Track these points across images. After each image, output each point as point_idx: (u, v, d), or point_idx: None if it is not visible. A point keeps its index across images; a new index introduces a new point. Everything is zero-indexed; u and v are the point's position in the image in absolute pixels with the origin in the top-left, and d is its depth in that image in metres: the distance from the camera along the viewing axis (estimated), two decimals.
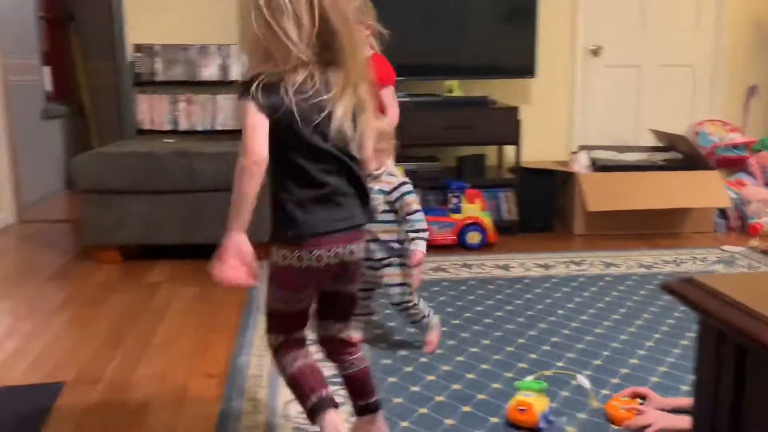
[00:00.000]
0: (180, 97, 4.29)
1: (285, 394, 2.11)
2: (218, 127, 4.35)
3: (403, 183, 2.32)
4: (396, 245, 2.36)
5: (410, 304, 2.40)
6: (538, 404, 1.89)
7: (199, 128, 4.33)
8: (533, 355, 2.39)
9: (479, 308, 2.85)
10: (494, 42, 4.28)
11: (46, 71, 5.99)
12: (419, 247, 2.28)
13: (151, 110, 4.29)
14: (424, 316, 2.43)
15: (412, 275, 2.39)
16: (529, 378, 2.11)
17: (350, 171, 1.59)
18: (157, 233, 3.58)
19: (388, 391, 2.12)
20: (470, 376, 2.23)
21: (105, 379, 2.27)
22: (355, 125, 1.57)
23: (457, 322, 2.71)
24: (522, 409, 1.88)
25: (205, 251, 3.59)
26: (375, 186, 2.25)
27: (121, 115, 6.43)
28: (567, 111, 4.66)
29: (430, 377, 2.23)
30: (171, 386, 2.21)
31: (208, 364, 2.37)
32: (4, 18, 4.61)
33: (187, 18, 4.28)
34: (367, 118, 1.60)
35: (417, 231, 2.30)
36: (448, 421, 1.94)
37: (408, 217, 2.30)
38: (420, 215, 2.31)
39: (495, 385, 2.16)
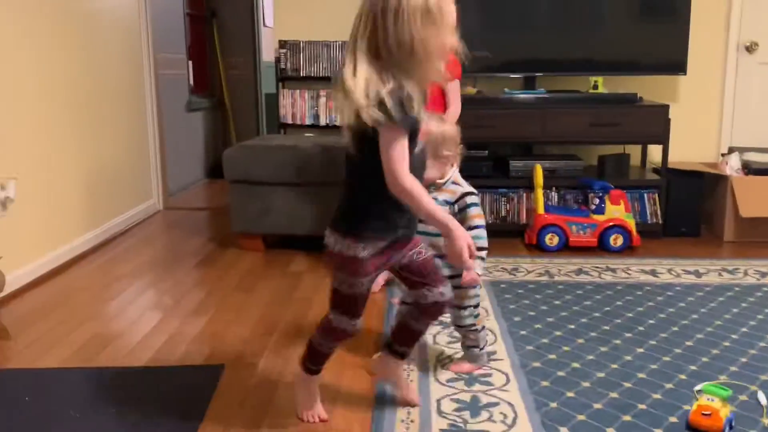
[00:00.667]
0: (321, 92, 4.38)
1: (437, 390, 2.12)
2: None
3: (469, 193, 2.13)
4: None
5: (472, 328, 2.21)
6: (723, 410, 1.83)
7: (339, 123, 4.39)
8: (693, 367, 2.27)
9: (629, 314, 2.75)
10: (642, 37, 4.10)
11: (189, 66, 6.27)
12: (476, 268, 2.08)
13: (294, 105, 4.40)
14: (477, 347, 2.24)
15: (477, 296, 2.20)
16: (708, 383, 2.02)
17: None
18: (299, 224, 3.66)
19: (541, 395, 2.08)
20: (627, 384, 2.15)
21: (263, 362, 2.34)
22: None
23: (607, 328, 2.62)
24: (706, 414, 1.82)
25: None
26: (438, 196, 2.10)
27: (260, 109, 6.68)
28: (717, 110, 4.41)
29: (585, 383, 2.16)
30: (327, 372, 2.25)
31: (360, 353, 2.40)
32: (156, 15, 4.84)
33: (329, 15, 4.36)
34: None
35: (477, 250, 1.89)
36: (610, 430, 1.87)
37: (469, 232, 1.88)
38: (483, 231, 2.12)
39: (655, 396, 2.07)
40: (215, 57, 6.65)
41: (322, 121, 4.42)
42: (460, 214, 2.09)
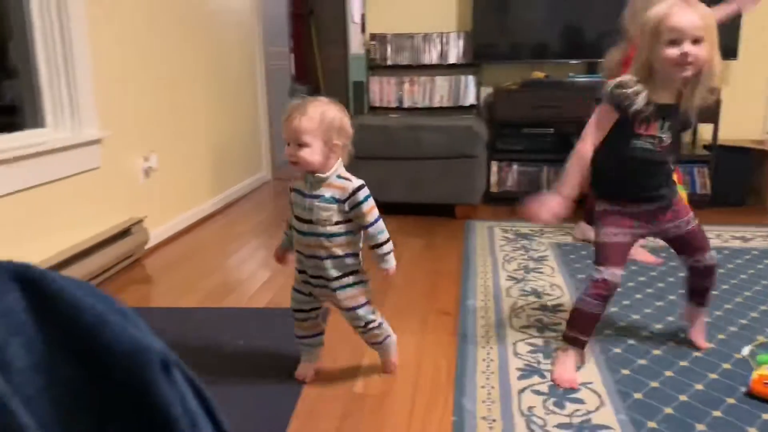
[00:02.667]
0: (405, 78, 4.36)
1: (512, 334, 2.11)
2: (435, 105, 4.38)
3: (360, 187, 1.66)
4: (351, 260, 1.71)
5: (375, 324, 1.79)
6: None
7: (420, 105, 4.39)
8: (743, 321, 2.19)
9: (682, 274, 2.66)
10: None
11: (291, 57, 6.35)
12: (391, 264, 1.75)
13: (381, 90, 4.40)
14: (387, 336, 1.84)
15: (370, 291, 1.80)
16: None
17: None
18: (386, 192, 3.67)
19: (623, 384, 1.78)
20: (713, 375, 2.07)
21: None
22: None
23: (662, 285, 2.54)
24: None
25: (427, 209, 3.70)
26: (325, 192, 1.64)
27: (349, 95, 6.69)
28: (764, 92, 4.17)
29: (668, 373, 1.85)
30: (414, 318, 2.28)
31: (441, 303, 2.41)
32: (266, 14, 4.90)
33: (414, 10, 4.32)
34: None
35: (382, 245, 1.71)
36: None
37: (368, 230, 1.68)
38: (381, 224, 1.70)
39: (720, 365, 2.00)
40: (312, 50, 6.70)
41: (405, 104, 4.40)
42: (353, 210, 1.65)
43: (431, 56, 4.31)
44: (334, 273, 1.69)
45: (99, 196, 2.71)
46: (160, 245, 3.17)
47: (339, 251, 1.68)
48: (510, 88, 3.99)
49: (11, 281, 0.50)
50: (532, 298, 2.43)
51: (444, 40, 4.28)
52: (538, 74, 4.06)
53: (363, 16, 6.58)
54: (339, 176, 1.67)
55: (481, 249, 3.06)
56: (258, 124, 4.82)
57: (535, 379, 1.83)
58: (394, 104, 4.40)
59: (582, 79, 3.96)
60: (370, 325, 1.78)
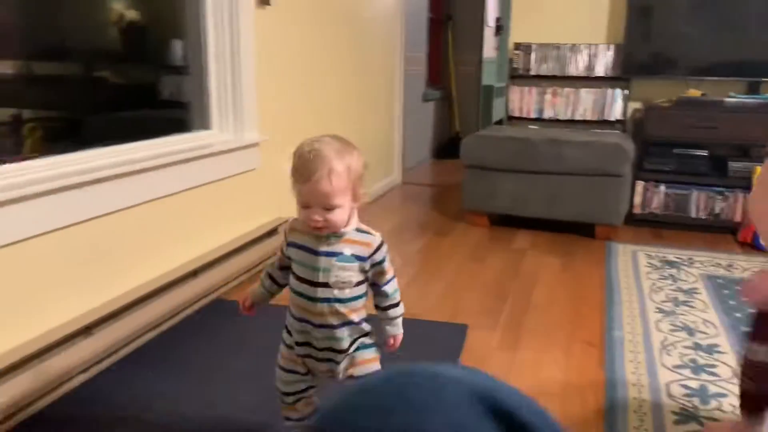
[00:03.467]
0: (547, 89, 4.27)
1: (664, 374, 2.01)
2: (577, 118, 4.25)
3: (383, 242, 1.42)
4: (366, 326, 1.46)
5: None
6: None
7: (560, 117, 4.28)
8: None
9: None
10: None
11: (426, 62, 6.38)
12: (401, 329, 1.51)
13: (521, 100, 4.33)
14: None
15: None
16: None
17: None
18: (521, 206, 3.62)
19: None
20: None
21: (499, 328, 2.36)
22: None
23: None
24: None
25: (564, 226, 3.60)
26: (345, 250, 1.36)
27: (485, 102, 6.64)
28: None
29: None
30: (556, 346, 2.22)
31: (585, 332, 2.34)
32: (407, 19, 4.96)
33: (562, 20, 4.21)
34: None
35: (397, 306, 1.49)
36: None
37: (384, 289, 1.44)
38: (395, 283, 1.47)
39: None
40: (447, 54, 6.71)
41: (546, 115, 4.31)
42: (374, 267, 1.40)
43: (577, 67, 4.18)
44: (347, 343, 1.41)
45: (253, 196, 2.86)
46: None
47: (355, 317, 1.40)
48: (663, 105, 3.79)
49: (486, 415, 0.43)
50: (683, 335, 2.30)
51: (592, 51, 4.14)
52: (695, 92, 3.83)
53: (498, 20, 6.52)
54: (359, 230, 1.38)
55: (625, 275, 2.94)
56: (393, 127, 4.90)
57: (693, 425, 1.73)
58: (533, 115, 4.32)
59: (743, 99, 3.69)
60: None
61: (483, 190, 3.68)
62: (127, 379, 1.87)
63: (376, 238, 1.40)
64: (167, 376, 1.91)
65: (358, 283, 1.39)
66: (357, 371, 1.43)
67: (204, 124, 2.67)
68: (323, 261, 1.34)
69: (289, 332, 1.45)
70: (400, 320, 1.50)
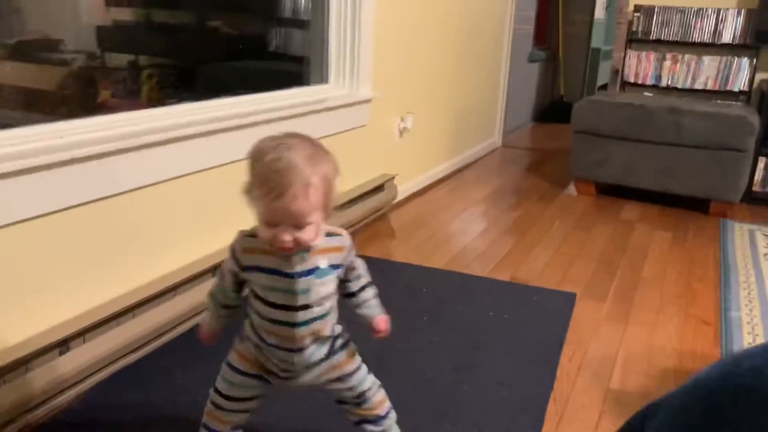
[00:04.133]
0: (667, 55, 4.06)
1: None
2: (697, 87, 4.03)
3: (350, 240, 1.23)
4: (338, 328, 1.27)
5: (373, 387, 1.32)
6: None
7: (679, 86, 4.07)
8: None
9: None
10: None
11: (534, 22, 6.19)
12: (382, 313, 1.29)
13: (638, 65, 4.14)
14: (390, 409, 1.36)
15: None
16: None
17: None
18: (633, 177, 3.50)
19: None
20: None
21: (609, 299, 2.33)
22: None
23: None
24: None
25: (676, 200, 3.47)
26: (320, 262, 1.16)
27: (592, 65, 6.41)
28: None
29: None
30: (669, 321, 2.17)
31: (698, 310, 2.27)
32: None
33: None
34: None
35: (370, 284, 1.28)
36: None
37: (356, 272, 1.25)
38: (362, 262, 1.27)
39: None
40: (556, 14, 6.48)
41: (663, 83, 4.11)
42: (349, 270, 1.23)
43: (701, 33, 3.95)
44: (317, 356, 1.22)
45: (363, 151, 2.91)
46: (402, 202, 3.34)
47: (328, 330, 1.22)
48: None
49: None
50: None
51: (720, 16, 3.89)
52: None
53: None
54: (327, 234, 1.18)
55: (742, 255, 2.81)
56: (497, 88, 4.81)
57: None
58: (649, 81, 4.13)
59: None
60: (368, 393, 1.30)
61: (593, 157, 3.58)
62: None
63: (345, 238, 1.21)
64: None
65: (334, 293, 1.21)
66: (334, 374, 1.26)
67: (321, 78, 2.72)
68: (302, 283, 1.13)
69: (257, 335, 1.21)
70: (377, 299, 1.29)
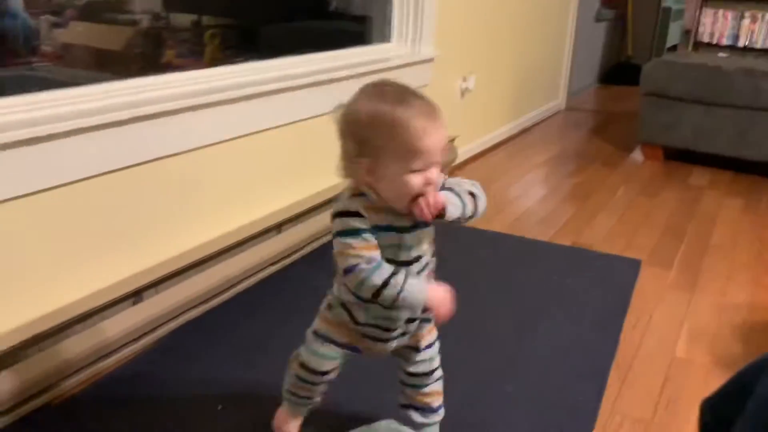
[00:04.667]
0: (746, 13, 3.84)
1: None
2: None
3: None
4: None
5: (437, 372, 1.28)
6: None
7: (757, 46, 3.86)
8: None
9: None
10: None
11: None
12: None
13: (714, 24, 3.94)
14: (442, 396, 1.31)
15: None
16: None
17: None
18: (704, 141, 3.37)
19: None
20: None
21: (674, 267, 2.27)
22: None
23: None
24: None
25: (750, 166, 3.33)
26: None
27: (662, 25, 6.15)
28: None
29: None
30: (738, 289, 2.10)
31: None
32: None
33: None
34: None
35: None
36: None
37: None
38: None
39: None
40: None
41: (741, 43, 3.90)
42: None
43: None
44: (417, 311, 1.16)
45: None
46: (461, 165, 3.31)
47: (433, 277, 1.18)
48: None
49: None
50: None
51: None
52: None
53: None
54: None
55: None
56: (563, 48, 4.67)
57: None
58: (725, 42, 3.93)
59: None
60: (433, 374, 1.26)
61: (662, 120, 3.46)
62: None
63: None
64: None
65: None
66: (414, 341, 1.22)
67: (383, 37, 2.69)
68: (416, 234, 1.09)
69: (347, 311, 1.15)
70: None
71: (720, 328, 1.87)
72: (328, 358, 1.18)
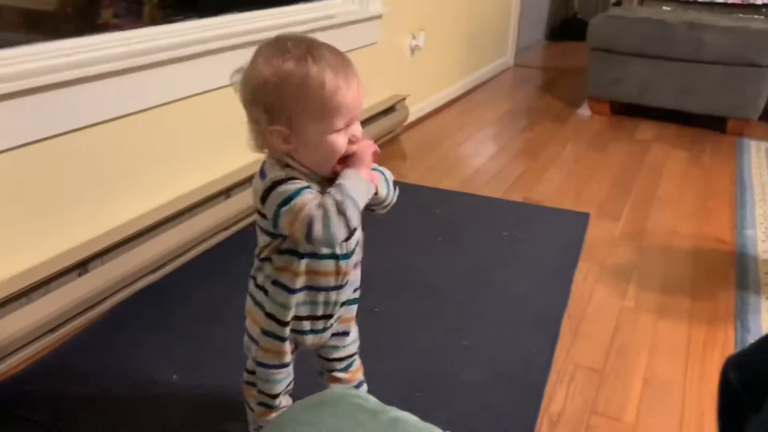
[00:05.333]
0: None
1: None
2: (719, 0, 3.87)
3: None
4: None
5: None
6: None
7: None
8: None
9: None
10: None
11: None
12: None
13: None
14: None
15: None
16: None
17: None
18: (649, 95, 3.42)
19: None
20: None
21: (622, 219, 2.32)
22: None
23: None
24: None
25: (693, 119, 3.40)
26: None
27: None
28: None
29: None
30: (685, 239, 2.17)
31: (713, 228, 2.26)
32: None
33: None
34: None
35: None
36: None
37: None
38: None
39: None
40: None
41: None
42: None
43: None
44: (352, 293, 1.10)
45: (373, 71, 2.84)
46: (414, 123, 3.29)
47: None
48: None
49: None
50: None
51: None
52: None
53: None
54: None
55: (758, 173, 2.78)
56: (510, 5, 4.65)
57: None
58: None
59: None
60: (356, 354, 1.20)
61: (609, 75, 3.49)
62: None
63: None
64: None
65: None
66: (342, 327, 1.13)
67: None
68: None
69: (281, 311, 1.03)
70: None
71: (667, 277, 1.93)
72: (275, 381, 1.10)
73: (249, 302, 1.07)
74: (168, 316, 1.62)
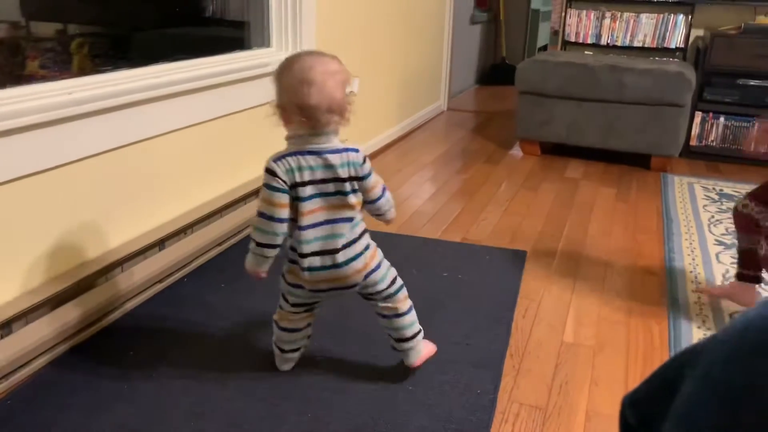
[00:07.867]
0: (606, 13, 4.10)
1: (728, 304, 2.01)
2: (636, 44, 4.10)
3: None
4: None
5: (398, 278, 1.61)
6: None
7: (619, 44, 4.13)
8: None
9: None
10: None
11: None
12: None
13: (579, 24, 4.18)
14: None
15: None
16: None
17: None
18: (577, 135, 3.56)
19: None
20: None
21: (557, 255, 2.37)
22: None
23: None
24: None
25: (619, 157, 3.54)
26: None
27: (532, 26, 6.44)
28: None
29: None
30: (618, 275, 2.23)
31: (644, 261, 2.33)
32: None
33: None
34: None
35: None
36: None
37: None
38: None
39: None
40: None
41: (603, 41, 4.16)
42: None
43: None
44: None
45: None
46: None
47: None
48: (729, 33, 3.63)
49: None
50: None
51: None
52: (764, 19, 3.65)
53: None
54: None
55: (682, 207, 2.90)
56: (441, 51, 4.79)
57: None
58: (590, 40, 4.17)
59: None
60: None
61: (537, 117, 3.62)
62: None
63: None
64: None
65: None
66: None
67: (262, 42, 2.63)
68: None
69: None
70: None
71: (602, 310, 1.97)
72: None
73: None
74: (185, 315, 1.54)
